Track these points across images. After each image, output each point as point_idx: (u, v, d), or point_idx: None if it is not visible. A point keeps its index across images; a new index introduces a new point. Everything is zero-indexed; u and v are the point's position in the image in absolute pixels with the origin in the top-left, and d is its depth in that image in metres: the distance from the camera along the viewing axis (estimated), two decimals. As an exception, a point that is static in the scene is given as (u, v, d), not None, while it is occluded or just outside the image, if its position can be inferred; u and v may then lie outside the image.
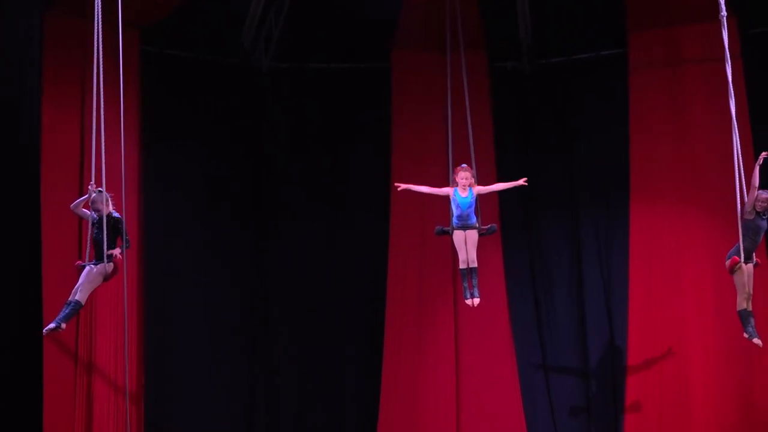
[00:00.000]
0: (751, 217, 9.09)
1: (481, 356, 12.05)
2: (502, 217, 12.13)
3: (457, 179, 9.75)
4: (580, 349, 12.33)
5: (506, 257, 12.29)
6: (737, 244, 9.15)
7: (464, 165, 9.86)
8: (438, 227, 9.96)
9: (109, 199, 8.78)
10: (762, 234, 9.26)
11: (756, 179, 9.07)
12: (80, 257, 10.32)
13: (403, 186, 9.88)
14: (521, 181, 9.82)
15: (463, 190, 9.74)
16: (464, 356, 12.06)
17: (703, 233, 11.38)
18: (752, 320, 9.19)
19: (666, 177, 11.74)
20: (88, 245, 9.02)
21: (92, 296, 10.23)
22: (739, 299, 9.22)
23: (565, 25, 12.53)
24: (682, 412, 11.28)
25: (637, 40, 12.04)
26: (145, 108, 11.47)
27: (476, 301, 9.88)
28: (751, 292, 9.15)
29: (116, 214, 8.87)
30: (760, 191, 9.08)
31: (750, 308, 9.18)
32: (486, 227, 9.84)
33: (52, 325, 8.73)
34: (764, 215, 9.15)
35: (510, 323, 12.18)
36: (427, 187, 9.91)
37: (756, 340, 9.17)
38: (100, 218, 8.73)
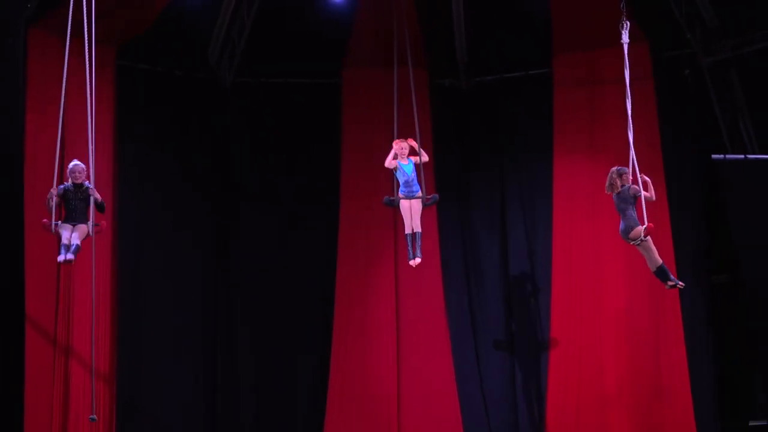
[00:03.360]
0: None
1: (417, 318, 12.98)
2: (439, 219, 13.15)
3: (395, 149, 10.52)
4: (504, 308, 13.30)
5: (442, 249, 13.23)
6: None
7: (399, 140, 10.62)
8: (386, 198, 10.75)
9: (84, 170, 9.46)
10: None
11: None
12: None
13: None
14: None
15: (404, 158, 10.53)
16: (403, 316, 13.00)
17: (613, 225, 11.95)
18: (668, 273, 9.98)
19: (582, 180, 12.68)
20: (53, 207, 9.53)
21: (70, 283, 11.26)
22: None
23: (498, 47, 13.39)
24: (596, 367, 12.32)
25: (560, 60, 12.93)
26: (121, 117, 12.18)
27: (418, 260, 10.59)
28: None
29: (88, 184, 9.52)
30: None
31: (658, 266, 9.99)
32: (429, 197, 10.63)
33: (69, 256, 9.38)
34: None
35: (443, 289, 13.11)
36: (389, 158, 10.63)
37: (679, 284, 10.03)
38: (76, 186, 9.39)
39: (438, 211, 13.09)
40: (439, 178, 13.04)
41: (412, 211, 10.66)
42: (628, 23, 10.18)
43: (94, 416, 9.93)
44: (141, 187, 12.80)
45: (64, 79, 9.38)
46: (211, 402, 13.07)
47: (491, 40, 13.37)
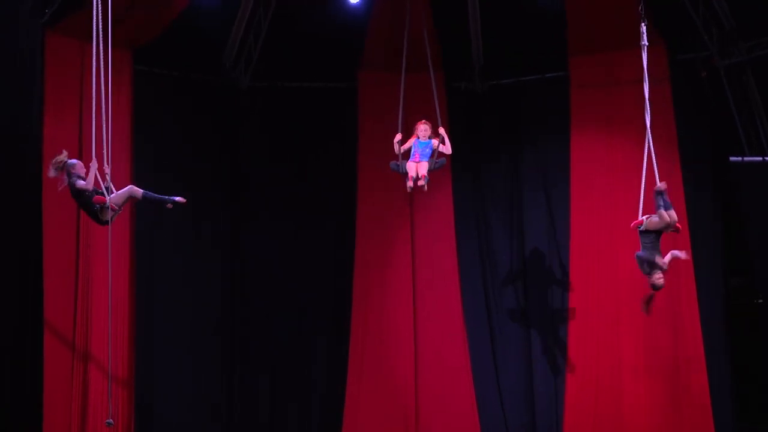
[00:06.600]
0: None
1: (434, 315, 13.11)
2: (456, 218, 13.26)
3: (418, 132, 10.53)
4: (521, 304, 13.35)
5: (459, 248, 13.32)
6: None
7: (424, 121, 10.63)
8: (392, 162, 10.68)
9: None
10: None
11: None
12: (78, 255, 11.44)
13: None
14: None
15: (423, 138, 10.53)
16: (420, 315, 13.12)
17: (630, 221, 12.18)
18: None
19: (600, 184, 12.72)
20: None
21: (89, 288, 11.35)
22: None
23: (513, 50, 13.40)
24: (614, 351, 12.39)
25: (577, 63, 12.95)
26: (137, 122, 12.19)
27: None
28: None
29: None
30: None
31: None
32: (437, 160, 10.51)
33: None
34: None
35: (460, 286, 13.20)
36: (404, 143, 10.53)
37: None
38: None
39: (455, 209, 13.23)
40: (455, 180, 13.16)
41: (418, 170, 10.50)
42: (645, 26, 10.38)
43: (111, 420, 9.77)
44: (156, 187, 12.62)
45: (93, 83, 9.31)
46: (228, 404, 13.10)
47: (507, 44, 13.39)
